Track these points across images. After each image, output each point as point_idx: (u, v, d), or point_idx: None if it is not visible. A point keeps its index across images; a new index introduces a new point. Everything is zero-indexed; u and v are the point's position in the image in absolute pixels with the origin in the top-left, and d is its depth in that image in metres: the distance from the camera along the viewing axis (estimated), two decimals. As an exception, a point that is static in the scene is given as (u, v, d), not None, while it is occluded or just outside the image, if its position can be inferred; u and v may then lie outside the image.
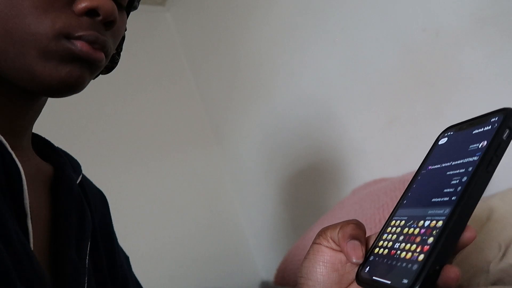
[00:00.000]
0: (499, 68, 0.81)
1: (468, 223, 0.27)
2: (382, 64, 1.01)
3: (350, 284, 0.35)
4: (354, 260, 0.32)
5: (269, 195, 1.46)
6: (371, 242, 0.34)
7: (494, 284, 0.58)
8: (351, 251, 0.32)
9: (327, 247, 0.35)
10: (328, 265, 0.34)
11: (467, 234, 0.27)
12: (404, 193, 0.35)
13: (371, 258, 0.32)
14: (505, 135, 0.28)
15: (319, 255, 0.35)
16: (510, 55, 0.78)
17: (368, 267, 0.32)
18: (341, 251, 0.35)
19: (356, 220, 0.35)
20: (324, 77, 1.17)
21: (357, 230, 0.33)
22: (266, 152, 1.43)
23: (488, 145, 0.28)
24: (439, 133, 0.36)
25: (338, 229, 0.34)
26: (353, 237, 0.33)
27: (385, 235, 0.33)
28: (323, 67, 1.16)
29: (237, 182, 1.63)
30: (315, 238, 0.36)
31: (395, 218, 0.33)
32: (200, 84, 1.70)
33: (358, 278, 0.32)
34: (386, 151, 1.05)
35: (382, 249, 0.32)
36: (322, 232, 0.36)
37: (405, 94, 0.98)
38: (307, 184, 1.30)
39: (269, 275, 1.38)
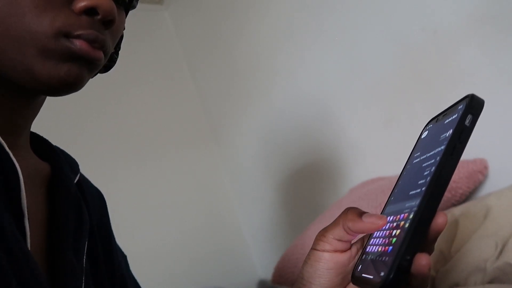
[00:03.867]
0: (497, 67, 0.81)
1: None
2: (380, 63, 1.01)
3: (349, 283, 0.35)
4: (380, 222, 0.32)
5: (267, 194, 1.46)
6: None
7: (490, 282, 0.58)
8: (374, 220, 0.33)
9: (330, 251, 0.35)
10: (332, 271, 0.35)
11: (438, 220, 0.28)
12: (392, 190, 0.36)
13: (364, 257, 0.33)
14: (467, 121, 0.28)
15: (322, 263, 0.35)
16: (508, 54, 0.79)
17: (360, 266, 0.33)
18: (344, 250, 0.35)
19: (347, 207, 0.35)
20: (322, 76, 1.17)
21: (357, 209, 0.34)
22: (264, 151, 1.44)
23: (452, 133, 0.29)
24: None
25: (340, 224, 0.34)
26: (361, 215, 0.34)
27: (375, 233, 0.33)
28: (321, 66, 1.16)
29: (235, 181, 1.63)
30: (315, 244, 0.36)
31: (384, 215, 0.34)
32: (198, 83, 1.70)
33: (352, 277, 0.33)
34: (384, 150, 1.05)
35: (372, 247, 0.33)
36: (322, 237, 0.35)
37: (403, 93, 0.99)
38: (305, 183, 1.30)
39: (267, 274, 1.38)
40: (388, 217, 0.32)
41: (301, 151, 1.29)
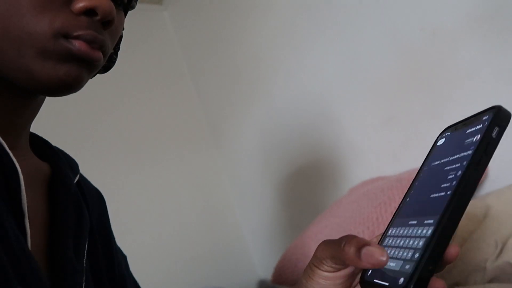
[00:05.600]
0: (496, 67, 0.81)
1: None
2: (380, 63, 1.01)
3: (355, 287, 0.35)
4: (383, 259, 0.28)
5: (266, 193, 1.46)
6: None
7: (490, 281, 0.58)
8: (369, 259, 0.28)
9: (326, 271, 0.32)
10: (330, 282, 0.33)
11: (451, 250, 0.28)
12: (406, 193, 0.35)
13: None
14: (494, 133, 0.28)
15: (320, 278, 0.33)
16: (507, 53, 0.79)
17: (371, 270, 0.32)
18: (345, 267, 0.32)
19: (342, 237, 0.31)
20: (322, 76, 1.17)
21: (355, 239, 0.30)
22: (263, 151, 1.44)
23: (478, 143, 0.28)
24: (438, 134, 0.36)
25: (340, 250, 0.30)
26: (358, 248, 0.29)
27: (387, 239, 0.33)
28: (321, 66, 1.16)
29: (235, 181, 1.63)
30: (313, 259, 0.33)
31: (397, 220, 0.33)
32: (198, 84, 1.70)
33: (362, 281, 0.32)
34: (384, 150, 1.05)
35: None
36: (318, 259, 0.32)
37: (402, 93, 0.99)
38: (305, 183, 1.30)
39: (267, 273, 1.38)
40: (401, 222, 0.32)
41: (301, 151, 1.29)
